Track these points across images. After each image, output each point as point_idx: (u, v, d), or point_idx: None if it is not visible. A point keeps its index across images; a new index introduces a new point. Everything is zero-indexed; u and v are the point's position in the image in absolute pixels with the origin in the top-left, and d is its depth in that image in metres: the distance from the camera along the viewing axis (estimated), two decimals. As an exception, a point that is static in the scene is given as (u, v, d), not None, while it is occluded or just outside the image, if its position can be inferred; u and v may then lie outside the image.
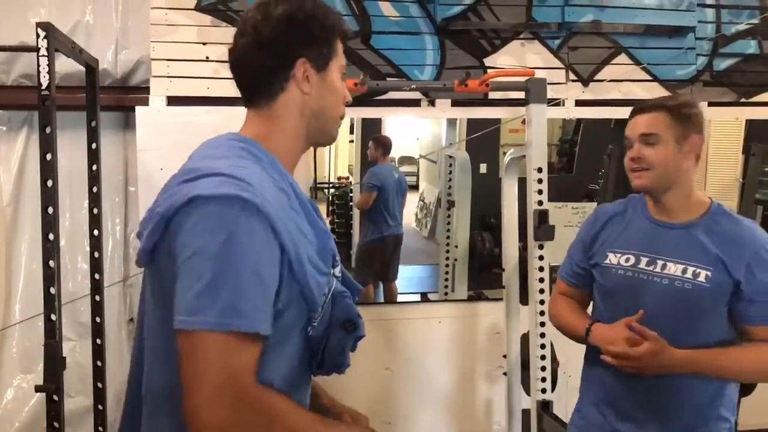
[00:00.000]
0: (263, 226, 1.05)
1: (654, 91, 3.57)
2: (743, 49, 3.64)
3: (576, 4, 3.46)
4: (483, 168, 6.40)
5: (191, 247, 1.02)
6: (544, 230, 2.73)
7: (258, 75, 1.21)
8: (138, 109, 3.20)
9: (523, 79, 2.83)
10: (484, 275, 4.28)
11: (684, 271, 1.75)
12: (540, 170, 2.78)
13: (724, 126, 5.95)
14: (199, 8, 3.27)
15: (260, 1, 1.23)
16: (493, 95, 3.37)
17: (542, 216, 2.76)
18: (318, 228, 1.20)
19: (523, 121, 8.18)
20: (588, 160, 6.41)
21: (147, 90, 3.25)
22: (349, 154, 5.93)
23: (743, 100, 3.64)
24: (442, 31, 3.42)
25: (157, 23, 3.24)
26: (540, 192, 2.78)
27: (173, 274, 1.03)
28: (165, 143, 3.18)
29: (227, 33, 3.28)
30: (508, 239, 3.09)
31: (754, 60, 3.64)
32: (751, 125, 5.88)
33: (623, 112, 3.68)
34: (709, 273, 1.72)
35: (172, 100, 3.24)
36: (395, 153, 6.43)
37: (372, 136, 4.80)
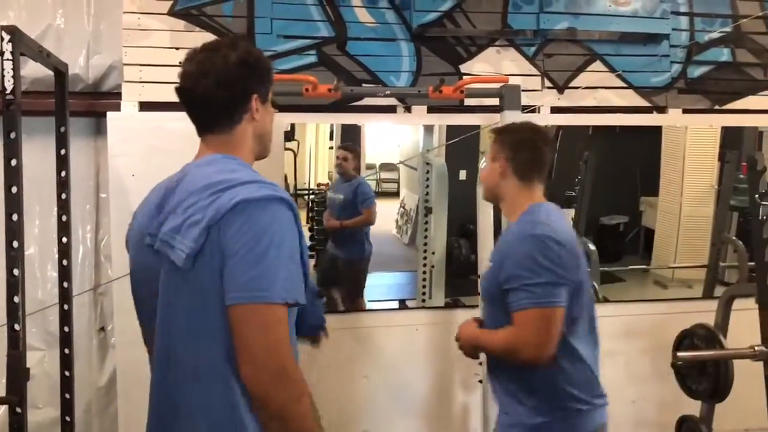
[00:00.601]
0: (293, 219, 1.35)
1: (629, 98, 3.59)
2: (717, 57, 3.66)
3: (551, 12, 3.46)
4: (462, 175, 6.41)
5: (247, 239, 1.27)
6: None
7: (220, 109, 1.46)
8: (109, 114, 3.15)
9: (497, 85, 2.83)
10: (460, 282, 4.28)
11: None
12: (514, 176, 2.77)
13: (700, 134, 6.01)
14: (172, 13, 3.24)
15: (208, 45, 1.49)
16: (469, 102, 3.36)
17: (517, 223, 2.75)
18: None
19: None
20: (566, 167, 6.46)
21: (119, 95, 3.21)
22: (329, 161, 5.90)
23: (717, 107, 3.64)
24: (418, 38, 3.41)
25: (130, 28, 3.20)
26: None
27: (219, 269, 1.28)
28: (137, 149, 3.15)
29: (201, 38, 3.16)
30: (483, 246, 3.08)
31: (727, 68, 3.66)
32: (727, 132, 5.94)
33: (599, 119, 3.76)
34: (492, 266, 2.04)
35: (145, 106, 3.20)
36: (377, 159, 6.42)
37: (343, 145, 4.74)
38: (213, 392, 1.33)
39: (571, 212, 4.95)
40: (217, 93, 1.43)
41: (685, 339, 3.12)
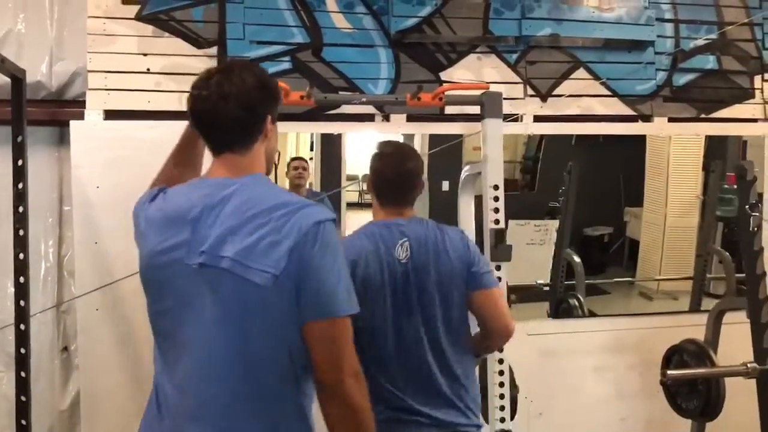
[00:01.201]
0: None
1: (613, 107, 3.49)
2: (702, 65, 3.57)
3: (534, 17, 3.37)
4: (445, 186, 6.31)
5: (326, 259, 1.41)
6: (502, 250, 2.61)
7: (240, 130, 1.52)
8: (73, 123, 3.00)
9: (478, 92, 2.71)
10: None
11: None
12: (496, 187, 2.66)
13: (684, 143, 5.95)
14: (140, 18, 3.10)
15: (220, 69, 1.56)
16: (450, 110, 3.24)
17: (499, 235, 2.64)
18: None
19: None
20: (550, 177, 6.37)
21: (83, 104, 3.06)
22: (312, 173, 5.77)
23: (703, 116, 3.55)
24: (397, 44, 3.29)
25: (95, 33, 3.06)
26: (496, 210, 2.66)
27: (294, 286, 1.39)
28: (102, 159, 3.01)
29: (170, 44, 3.12)
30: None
31: (713, 75, 3.58)
32: (711, 142, 5.89)
33: (583, 128, 3.66)
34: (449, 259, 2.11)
35: (110, 114, 3.05)
36: (358, 171, 6.27)
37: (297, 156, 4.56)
38: (284, 397, 1.48)
39: (555, 223, 4.86)
40: (239, 115, 1.49)
41: (674, 355, 3.01)
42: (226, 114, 1.49)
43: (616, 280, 5.97)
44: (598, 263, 6.38)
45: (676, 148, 5.81)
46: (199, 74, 1.58)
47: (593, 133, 5.87)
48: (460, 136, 3.24)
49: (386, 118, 3.25)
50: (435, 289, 2.06)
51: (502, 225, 2.65)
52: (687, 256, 6.18)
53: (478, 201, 2.93)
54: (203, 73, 1.56)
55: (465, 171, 2.93)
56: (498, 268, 2.67)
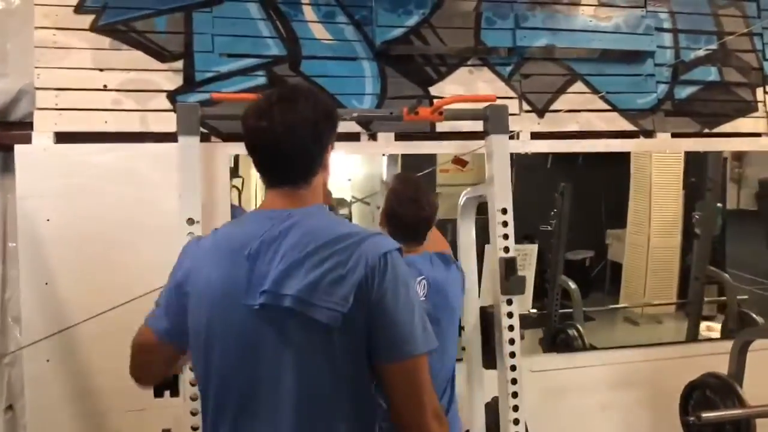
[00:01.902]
0: None
1: (614, 122, 3.25)
2: (704, 77, 3.37)
3: (528, 27, 3.13)
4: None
5: (397, 293, 1.31)
6: (515, 282, 2.32)
7: (304, 164, 1.41)
8: (18, 148, 2.64)
9: (478, 106, 2.44)
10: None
11: None
12: (505, 211, 2.38)
13: (665, 160, 5.79)
14: (95, 29, 2.77)
15: (283, 96, 1.41)
16: (441, 127, 2.97)
17: (510, 265, 2.35)
18: None
19: (454, 160, 7.88)
20: (525, 200, 6.16)
21: (31, 125, 2.70)
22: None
23: (707, 130, 3.34)
24: (382, 57, 3.01)
25: (43, 45, 2.71)
26: (506, 237, 2.38)
27: (365, 324, 1.30)
28: (52, 189, 2.67)
29: (130, 57, 2.79)
30: (467, 291, 2.65)
31: (715, 87, 3.38)
32: (690, 158, 5.75)
33: (583, 146, 3.40)
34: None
35: (62, 137, 2.71)
36: (342, 194, 5.94)
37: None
38: None
39: (534, 248, 4.59)
40: (307, 148, 1.40)
41: (695, 391, 2.76)
42: (293, 148, 1.38)
43: (611, 307, 5.71)
44: (580, 288, 6.14)
45: (657, 166, 5.64)
46: (256, 101, 1.43)
47: (577, 152, 5.69)
48: (439, 156, 2.96)
49: (373, 137, 2.95)
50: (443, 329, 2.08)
51: (513, 253, 2.36)
52: (670, 278, 6.02)
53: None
54: (262, 101, 1.42)
55: (465, 195, 2.64)
56: (509, 302, 2.37)
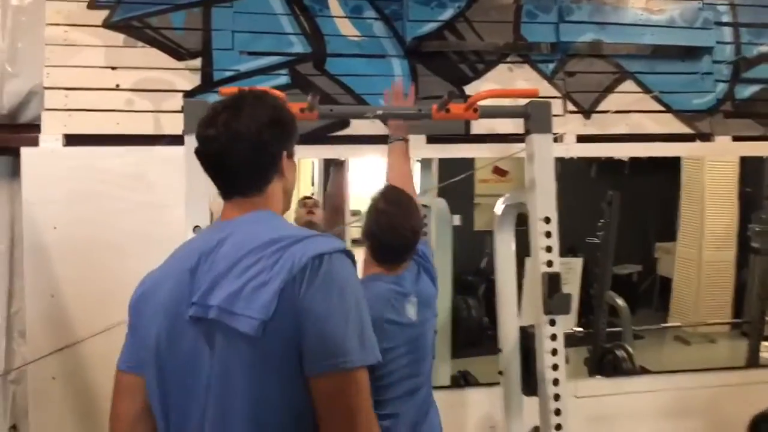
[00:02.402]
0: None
1: (668, 124, 2.98)
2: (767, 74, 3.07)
3: (573, 21, 2.88)
4: (456, 220, 5.79)
5: (329, 299, 1.18)
6: (558, 301, 2.06)
7: (253, 172, 1.33)
8: (24, 151, 2.49)
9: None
10: (471, 352, 3.56)
11: None
12: (548, 221, 2.12)
13: (719, 169, 5.43)
14: (108, 25, 2.61)
15: (228, 103, 1.34)
16: (477, 129, 2.74)
17: (554, 281, 2.09)
18: None
19: (494, 169, 7.60)
20: (569, 210, 5.86)
21: (40, 128, 2.54)
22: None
23: (773, 133, 3.04)
24: (413, 54, 2.80)
25: (54, 43, 2.57)
26: (549, 249, 2.12)
27: (293, 335, 1.17)
28: (60, 194, 2.53)
29: (144, 55, 2.63)
30: (504, 310, 2.41)
31: (781, 86, 3.07)
32: (746, 165, 5.39)
33: (633, 149, 3.12)
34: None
35: (72, 140, 2.56)
36: (362, 205, 5.74)
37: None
38: None
39: (578, 261, 4.30)
40: (251, 157, 1.32)
41: (764, 424, 2.44)
42: (237, 157, 1.31)
43: (663, 326, 5.36)
44: (627, 304, 5.80)
45: (711, 173, 5.28)
46: (207, 109, 1.36)
47: (623, 160, 5.35)
48: (492, 159, 2.72)
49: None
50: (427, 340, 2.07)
51: (557, 267, 2.11)
52: (725, 295, 5.64)
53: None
54: (209, 109, 1.35)
55: (503, 202, 2.40)
56: (552, 323, 2.11)
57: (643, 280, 6.17)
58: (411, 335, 1.95)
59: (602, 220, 3.75)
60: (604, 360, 3.54)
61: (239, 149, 1.30)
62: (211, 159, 1.32)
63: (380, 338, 1.66)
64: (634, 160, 6.28)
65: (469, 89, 2.82)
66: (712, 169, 5.24)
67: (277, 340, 1.17)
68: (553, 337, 2.11)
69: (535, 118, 2.15)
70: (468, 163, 4.21)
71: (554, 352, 2.11)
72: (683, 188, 5.49)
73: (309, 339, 1.17)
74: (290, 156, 1.39)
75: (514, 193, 2.38)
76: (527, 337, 2.33)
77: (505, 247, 2.43)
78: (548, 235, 2.12)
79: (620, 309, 3.77)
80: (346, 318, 1.19)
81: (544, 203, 2.14)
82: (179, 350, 1.26)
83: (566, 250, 5.42)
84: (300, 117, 2.11)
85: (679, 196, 5.76)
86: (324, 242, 1.24)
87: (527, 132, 2.20)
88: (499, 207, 2.44)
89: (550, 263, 2.11)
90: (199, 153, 1.33)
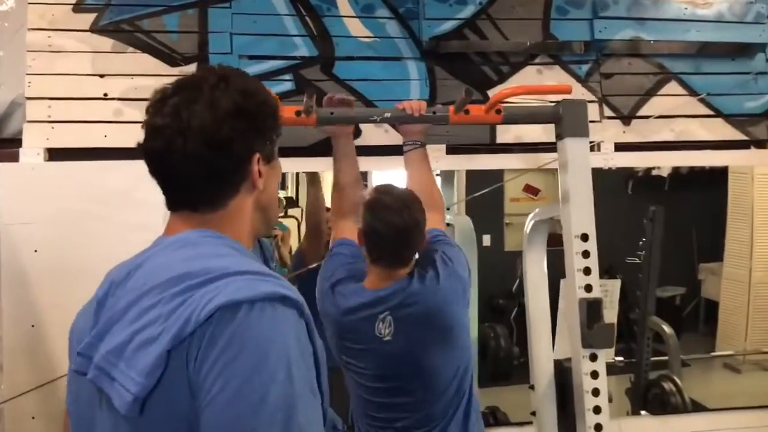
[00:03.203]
0: (305, 328, 0.91)
1: (717, 130, 2.67)
2: (829, 74, 2.74)
3: (609, 17, 2.59)
4: (486, 240, 5.50)
5: (235, 371, 0.82)
6: (599, 332, 1.75)
7: (207, 181, 1.00)
8: (2, 167, 2.27)
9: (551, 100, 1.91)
10: (500, 385, 3.24)
11: None
12: (586, 238, 1.82)
13: (769, 182, 5.05)
14: (96, 29, 2.40)
15: (185, 83, 1.03)
16: (502, 137, 2.47)
17: (594, 309, 1.78)
18: None
19: (525, 187, 7.27)
20: (605, 229, 5.53)
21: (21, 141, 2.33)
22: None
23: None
24: (430, 55, 2.54)
25: (36, 49, 2.35)
26: (587, 271, 1.81)
27: (186, 417, 0.84)
28: (42, 214, 2.29)
29: (135, 61, 2.40)
30: (537, 342, 2.10)
31: (844, 87, 2.73)
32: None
33: (679, 158, 2.78)
34: None
35: (55, 154, 2.33)
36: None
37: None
38: None
39: (616, 283, 3.96)
40: (202, 159, 0.98)
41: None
42: (186, 158, 0.98)
43: (714, 354, 4.96)
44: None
45: (761, 187, 4.90)
46: (156, 91, 1.04)
47: (662, 175, 5.01)
48: (519, 171, 2.43)
49: (419, 150, 2.45)
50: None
51: (597, 293, 1.80)
52: (777, 318, 5.23)
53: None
54: (158, 91, 1.03)
55: (533, 217, 2.10)
56: (593, 357, 1.80)
57: (687, 304, 5.80)
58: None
59: (644, 239, 3.42)
60: (650, 393, 3.19)
61: (189, 147, 0.97)
62: (153, 158, 1.01)
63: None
64: (675, 175, 5.95)
65: (493, 94, 2.54)
66: (762, 181, 4.86)
67: (163, 425, 0.85)
68: (594, 375, 1.80)
69: (569, 120, 1.86)
70: (497, 178, 3.91)
71: (595, 392, 1.80)
72: (730, 203, 5.13)
73: (203, 428, 0.84)
74: (268, 160, 1.06)
75: (545, 208, 2.09)
76: (563, 373, 2.02)
77: (535, 268, 2.13)
78: (586, 254, 1.82)
79: (666, 337, 3.43)
80: (261, 401, 0.82)
81: (581, 218, 1.84)
82: (80, 402, 1.00)
83: (603, 271, 5.10)
84: (296, 122, 1.86)
85: (724, 212, 5.40)
86: (245, 284, 0.88)
87: (559, 137, 1.91)
88: (529, 223, 2.14)
89: (588, 288, 1.81)
90: (141, 149, 1.02)
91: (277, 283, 0.90)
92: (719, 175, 5.38)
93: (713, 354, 4.93)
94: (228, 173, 1.01)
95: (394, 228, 1.67)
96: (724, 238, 5.34)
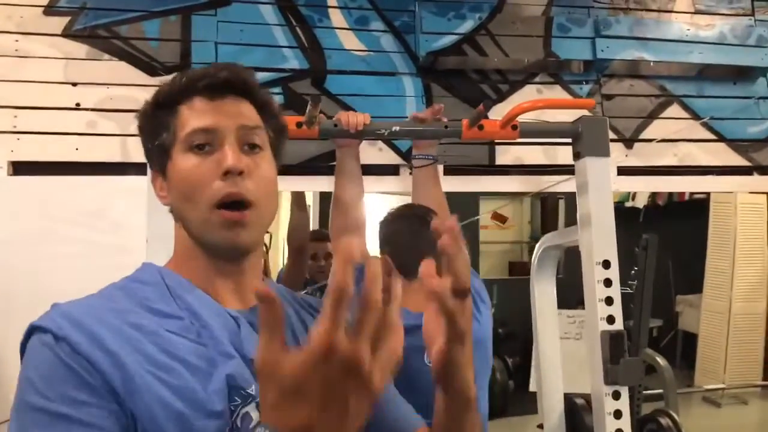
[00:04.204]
0: (60, 350, 0.79)
1: (720, 155, 2.57)
2: (831, 100, 2.69)
3: (610, 36, 2.49)
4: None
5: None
6: (626, 368, 1.60)
7: None
8: (-40, 180, 2.05)
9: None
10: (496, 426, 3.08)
11: None
12: (608, 265, 1.69)
13: (750, 212, 5.03)
14: (69, 34, 2.20)
15: None
16: (502, 158, 2.35)
17: (617, 342, 1.64)
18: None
19: (493, 215, 7.19)
20: (578, 260, 5.45)
21: (-16, 154, 2.12)
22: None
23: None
24: (427, 72, 2.40)
25: (1, 54, 2.15)
26: (610, 301, 1.67)
27: None
28: (3, 234, 2.06)
29: (111, 69, 2.21)
30: (547, 376, 1.95)
31: None
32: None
33: (683, 184, 2.69)
34: None
35: (20, 168, 2.12)
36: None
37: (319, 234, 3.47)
38: None
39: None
40: None
41: None
42: None
43: (710, 388, 4.87)
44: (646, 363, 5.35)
45: (743, 217, 4.88)
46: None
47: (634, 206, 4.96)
48: (520, 194, 2.29)
49: (416, 171, 2.30)
50: None
51: (619, 325, 1.66)
52: (756, 351, 5.19)
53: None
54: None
55: (542, 244, 1.96)
56: (616, 395, 1.65)
57: (664, 336, 5.73)
58: None
59: (635, 269, 3.31)
60: (644, 430, 3.06)
61: None
62: None
63: None
64: (650, 206, 5.92)
65: (492, 113, 2.42)
66: (745, 210, 4.85)
67: None
68: (618, 414, 1.65)
69: (588, 137, 1.74)
70: (472, 207, 3.76)
71: (619, 433, 1.65)
72: (711, 233, 5.10)
73: None
74: (162, 167, 0.96)
75: (558, 232, 1.95)
76: (574, 411, 1.87)
77: (545, 298, 1.99)
78: (608, 283, 1.68)
79: (661, 369, 3.31)
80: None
81: (602, 244, 1.70)
82: None
83: (577, 303, 5.01)
84: (296, 135, 1.70)
85: (700, 244, 5.38)
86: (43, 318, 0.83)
87: (577, 156, 1.78)
88: (538, 250, 2.00)
89: (611, 319, 1.67)
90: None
91: (42, 318, 0.83)
92: (695, 206, 5.36)
93: (711, 387, 4.84)
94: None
95: (427, 228, 1.52)
96: (701, 269, 5.30)
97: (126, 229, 2.12)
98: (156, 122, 0.95)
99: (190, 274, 0.94)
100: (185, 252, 0.95)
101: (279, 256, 5.32)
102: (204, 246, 0.92)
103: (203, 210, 0.89)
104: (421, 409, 1.52)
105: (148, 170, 0.99)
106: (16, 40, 2.17)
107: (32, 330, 0.82)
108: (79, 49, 2.21)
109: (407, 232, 1.62)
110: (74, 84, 2.18)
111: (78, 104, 2.18)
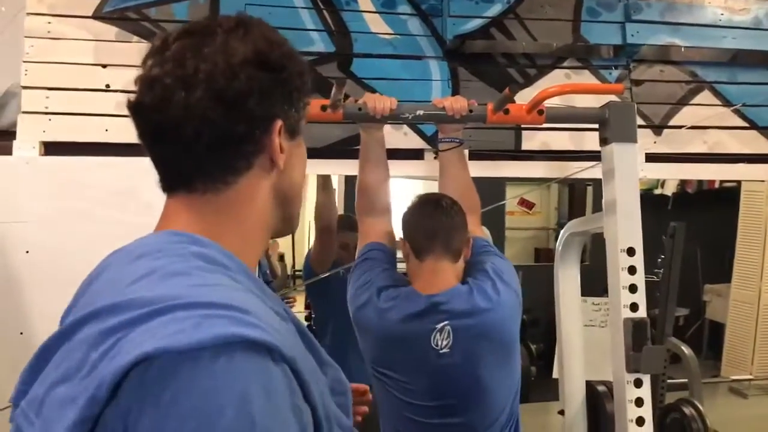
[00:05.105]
0: (285, 383, 0.63)
1: (751, 143, 2.54)
2: None
3: (641, 20, 2.46)
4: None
5: None
6: (649, 355, 1.60)
7: (211, 147, 0.77)
8: (-7, 160, 2.09)
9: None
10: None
11: None
12: (632, 252, 1.67)
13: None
14: (99, 16, 2.23)
15: (194, 27, 0.80)
16: (528, 143, 2.34)
17: (640, 330, 1.63)
18: (324, 362, 0.80)
19: (520, 201, 7.14)
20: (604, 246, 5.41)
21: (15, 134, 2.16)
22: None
23: None
24: (454, 55, 2.39)
25: (34, 36, 2.19)
26: (633, 289, 1.67)
27: None
28: (35, 212, 2.12)
29: (140, 51, 2.20)
30: (569, 363, 1.95)
31: None
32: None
33: (712, 172, 2.65)
34: None
35: (51, 148, 2.16)
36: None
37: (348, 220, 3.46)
38: None
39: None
40: (208, 117, 0.74)
41: None
42: (187, 114, 0.75)
43: (736, 378, 4.82)
44: (672, 352, 5.31)
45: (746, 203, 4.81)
46: (155, 37, 0.87)
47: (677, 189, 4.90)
48: (546, 180, 2.29)
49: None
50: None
51: (642, 312, 1.65)
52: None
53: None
54: (159, 36, 0.83)
55: (566, 231, 1.96)
56: (638, 383, 1.65)
57: (690, 325, 5.68)
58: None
59: (661, 257, 3.29)
60: (668, 419, 3.04)
61: (191, 100, 0.74)
62: (143, 116, 0.80)
63: None
64: (678, 194, 5.84)
65: (519, 97, 2.40)
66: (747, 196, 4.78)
67: None
68: (639, 402, 1.65)
69: (616, 123, 1.72)
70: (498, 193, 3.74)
71: (640, 421, 1.64)
72: (741, 222, 5.02)
73: None
74: (291, 134, 0.83)
75: (583, 219, 1.94)
76: (596, 397, 1.87)
77: (569, 286, 1.99)
78: (632, 270, 1.67)
79: (686, 359, 3.29)
80: None
81: (627, 231, 1.69)
82: None
83: (603, 290, 4.98)
84: (320, 117, 1.70)
85: (729, 232, 5.30)
86: (188, 323, 0.61)
87: (604, 141, 1.76)
88: (562, 236, 1.99)
89: (634, 307, 1.66)
90: (129, 108, 0.82)
91: (234, 321, 0.62)
92: (725, 194, 5.28)
93: (735, 378, 4.79)
94: (240, 138, 0.77)
95: (441, 212, 1.63)
96: (729, 259, 5.23)
97: (157, 210, 2.13)
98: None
99: (246, 259, 0.80)
100: (257, 226, 0.83)
101: (305, 238, 5.37)
102: (279, 226, 0.87)
103: (301, 197, 0.90)
104: (425, 392, 1.54)
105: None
106: (48, 22, 2.20)
107: (241, 341, 0.61)
108: (109, 30, 2.24)
109: (420, 215, 1.68)
110: (104, 65, 2.21)
111: (108, 85, 2.21)
